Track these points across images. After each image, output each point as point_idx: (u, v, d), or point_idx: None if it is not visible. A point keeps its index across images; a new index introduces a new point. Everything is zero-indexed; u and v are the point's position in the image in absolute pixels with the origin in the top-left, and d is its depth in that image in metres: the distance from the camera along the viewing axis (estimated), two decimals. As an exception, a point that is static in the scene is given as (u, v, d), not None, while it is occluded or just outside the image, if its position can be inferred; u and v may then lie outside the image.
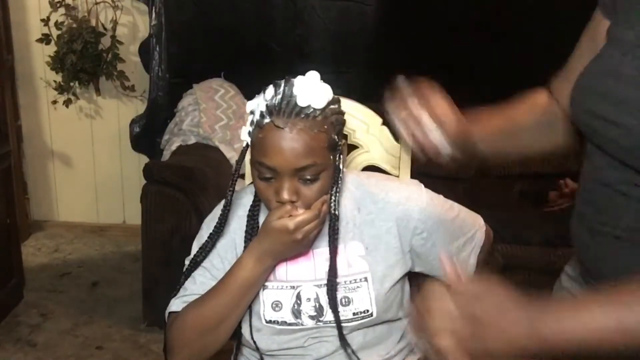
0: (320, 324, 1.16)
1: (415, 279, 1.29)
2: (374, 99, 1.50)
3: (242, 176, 1.49)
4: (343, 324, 1.15)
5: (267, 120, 1.05)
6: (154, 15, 2.99)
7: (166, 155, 2.80)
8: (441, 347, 0.82)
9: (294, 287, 1.16)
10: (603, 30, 0.96)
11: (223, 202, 1.18)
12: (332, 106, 1.09)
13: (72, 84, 3.22)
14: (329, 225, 1.14)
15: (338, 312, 1.14)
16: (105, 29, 3.18)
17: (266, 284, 1.16)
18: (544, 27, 2.83)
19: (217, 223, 1.18)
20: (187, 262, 1.22)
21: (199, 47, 3.08)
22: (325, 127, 1.06)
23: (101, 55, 3.15)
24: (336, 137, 1.10)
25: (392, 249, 1.18)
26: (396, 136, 1.40)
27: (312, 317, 1.16)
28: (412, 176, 1.38)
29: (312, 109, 1.05)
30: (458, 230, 1.22)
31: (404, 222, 1.18)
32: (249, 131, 1.10)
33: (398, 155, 1.40)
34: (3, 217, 2.64)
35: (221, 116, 2.85)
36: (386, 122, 1.41)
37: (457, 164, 1.06)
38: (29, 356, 2.44)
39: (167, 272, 2.26)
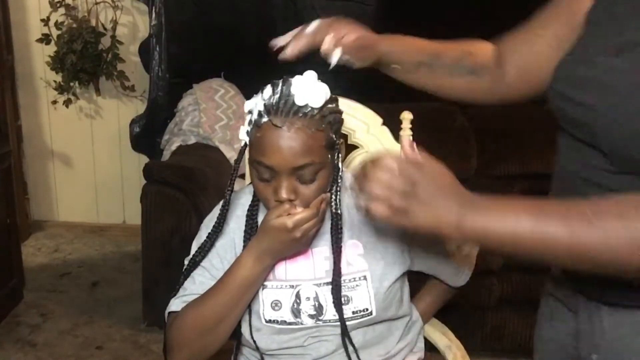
0: (320, 323, 1.16)
1: (416, 280, 1.29)
2: (374, 99, 1.51)
3: (243, 176, 1.49)
4: (343, 323, 1.15)
5: (265, 119, 1.05)
6: (154, 15, 2.99)
7: (166, 155, 2.79)
8: (374, 213, 0.86)
9: (293, 286, 1.16)
10: (584, 8, 0.95)
11: (222, 202, 1.18)
12: (329, 105, 1.09)
13: (72, 84, 3.22)
14: (332, 224, 1.14)
15: (342, 312, 1.14)
16: (105, 29, 3.18)
17: (265, 283, 1.16)
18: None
19: (215, 223, 1.18)
20: (186, 262, 1.22)
21: (199, 47, 3.08)
22: (323, 126, 1.06)
23: (101, 55, 3.16)
24: (334, 135, 1.10)
25: (390, 247, 1.19)
26: (396, 136, 1.41)
27: (311, 316, 1.16)
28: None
29: (309, 108, 1.05)
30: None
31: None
32: (247, 130, 1.10)
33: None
34: (3, 217, 2.64)
35: (221, 116, 2.84)
36: (386, 123, 1.42)
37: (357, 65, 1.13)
38: (29, 356, 2.44)
39: (167, 272, 2.26)
